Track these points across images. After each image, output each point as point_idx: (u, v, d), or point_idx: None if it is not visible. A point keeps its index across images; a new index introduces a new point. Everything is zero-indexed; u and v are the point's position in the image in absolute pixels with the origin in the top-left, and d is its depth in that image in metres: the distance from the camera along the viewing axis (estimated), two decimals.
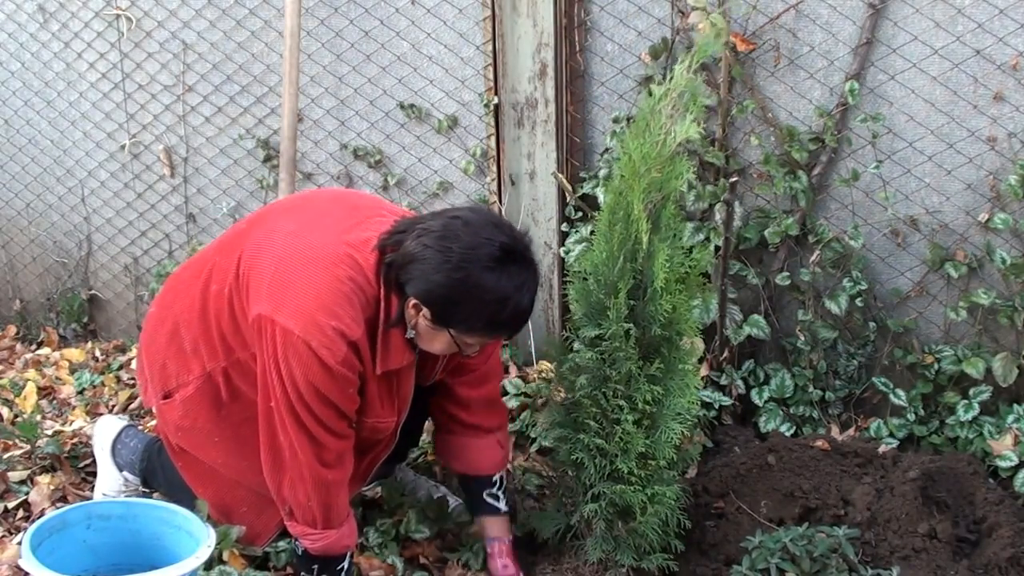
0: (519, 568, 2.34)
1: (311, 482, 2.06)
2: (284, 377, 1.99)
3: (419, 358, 2.18)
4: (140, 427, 2.70)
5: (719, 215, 2.92)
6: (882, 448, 2.75)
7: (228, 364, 2.16)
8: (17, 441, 2.83)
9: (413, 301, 1.98)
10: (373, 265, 2.01)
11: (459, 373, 2.31)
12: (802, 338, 2.92)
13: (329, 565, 2.16)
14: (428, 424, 2.96)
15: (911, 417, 2.85)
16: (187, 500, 2.28)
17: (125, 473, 2.49)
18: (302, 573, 2.18)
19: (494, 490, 2.39)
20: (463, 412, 2.36)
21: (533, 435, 2.88)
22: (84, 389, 3.39)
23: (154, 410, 2.35)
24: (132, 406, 3.24)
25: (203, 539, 2.07)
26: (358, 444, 2.18)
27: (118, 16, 3.60)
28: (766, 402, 2.94)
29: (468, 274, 1.91)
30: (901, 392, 2.87)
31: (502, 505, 2.38)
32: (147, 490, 2.49)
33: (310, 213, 2.15)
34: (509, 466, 2.78)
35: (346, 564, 2.18)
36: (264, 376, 2.03)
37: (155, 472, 2.45)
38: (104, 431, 2.57)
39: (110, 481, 2.51)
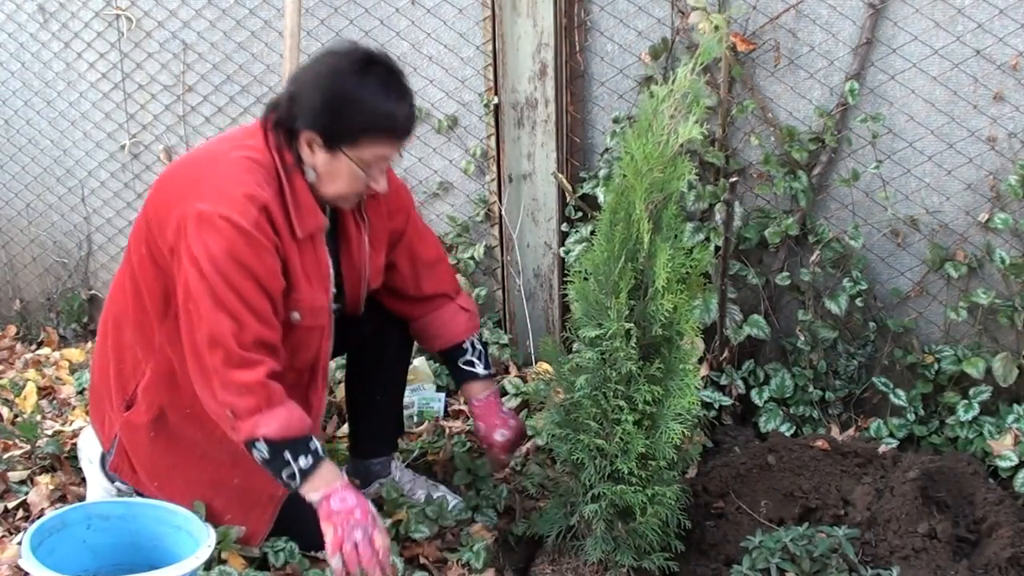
0: (504, 418, 2.40)
1: (231, 365, 2.00)
2: (201, 259, 1.98)
3: (349, 241, 2.25)
4: None
5: (719, 215, 2.92)
6: (882, 448, 2.75)
7: (172, 326, 2.14)
8: (17, 441, 2.83)
9: (305, 137, 2.06)
10: (260, 142, 2.12)
11: (394, 249, 2.40)
12: (802, 338, 2.92)
13: (299, 446, 2.05)
14: (423, 427, 2.97)
15: (911, 417, 2.86)
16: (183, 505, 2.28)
17: (117, 483, 2.46)
18: (281, 475, 2.07)
19: (468, 356, 2.43)
20: (412, 287, 2.43)
21: (531, 434, 2.88)
22: (84, 389, 3.39)
23: (118, 438, 2.32)
24: None
25: (203, 539, 2.06)
26: (301, 338, 2.17)
27: (118, 16, 3.60)
28: (766, 402, 2.94)
29: (335, 79, 2.03)
30: (901, 392, 2.87)
31: (480, 369, 2.42)
32: (140, 497, 2.48)
33: (190, 153, 2.28)
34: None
35: (317, 445, 2.08)
36: (184, 281, 2.02)
37: None
38: (90, 443, 2.51)
39: (102, 492, 2.46)
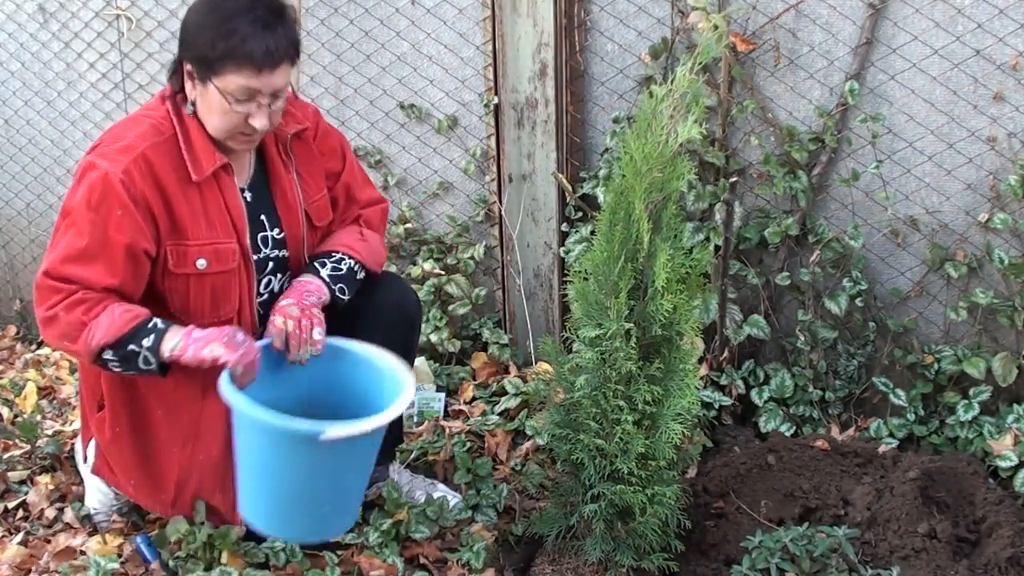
0: (307, 304, 2.18)
1: (55, 299, 2.06)
2: (65, 202, 2.10)
3: (279, 182, 2.26)
4: None
5: (719, 215, 2.92)
6: (882, 448, 2.75)
7: None
8: (17, 441, 2.84)
9: (186, 69, 2.12)
10: (157, 100, 2.20)
11: (332, 188, 2.40)
12: (802, 338, 2.92)
13: (137, 335, 2.05)
14: (423, 427, 2.97)
15: (911, 417, 2.85)
16: None
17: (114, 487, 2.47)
18: (141, 368, 2.07)
19: (327, 259, 2.29)
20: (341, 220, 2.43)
21: (531, 434, 2.88)
22: None
23: (94, 439, 2.36)
24: None
25: (401, 388, 2.02)
26: (217, 285, 2.17)
27: (118, 16, 3.60)
28: (766, 402, 2.94)
29: (204, 7, 2.10)
30: (901, 392, 2.87)
31: (324, 272, 2.26)
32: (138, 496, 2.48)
33: None
34: (508, 468, 2.79)
35: (156, 322, 2.07)
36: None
37: None
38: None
39: (99, 495, 2.48)
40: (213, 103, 2.10)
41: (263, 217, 2.27)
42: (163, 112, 2.16)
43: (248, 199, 2.24)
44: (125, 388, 2.24)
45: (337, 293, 2.26)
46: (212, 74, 2.08)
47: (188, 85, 2.14)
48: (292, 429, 1.89)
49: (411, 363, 2.45)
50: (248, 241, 2.22)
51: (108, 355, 2.07)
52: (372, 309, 2.35)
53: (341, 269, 2.29)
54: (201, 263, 2.15)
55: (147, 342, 2.06)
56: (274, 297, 2.26)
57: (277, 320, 2.13)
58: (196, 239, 2.14)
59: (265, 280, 2.29)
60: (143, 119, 2.16)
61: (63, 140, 3.83)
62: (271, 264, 2.28)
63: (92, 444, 2.40)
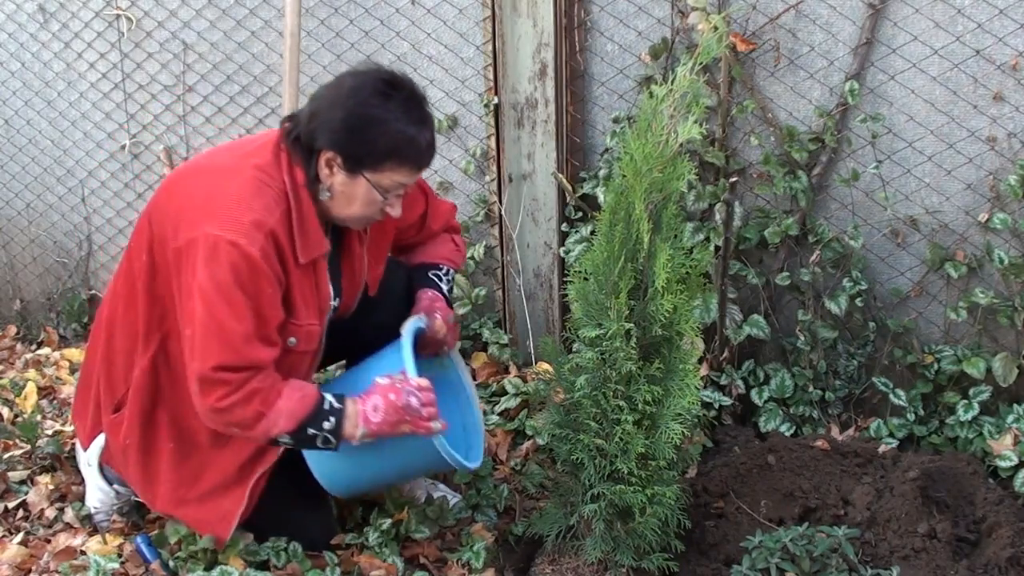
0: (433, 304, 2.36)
1: (224, 393, 2.01)
2: (204, 285, 1.97)
3: (351, 257, 2.25)
4: None
5: (719, 215, 2.92)
6: (882, 448, 2.75)
7: (163, 335, 2.15)
8: (17, 441, 2.83)
9: (325, 156, 2.04)
10: (271, 159, 2.08)
11: (413, 236, 2.47)
12: (802, 338, 2.92)
13: (316, 418, 2.07)
14: None
15: (911, 417, 2.86)
16: None
17: (116, 486, 2.46)
18: (318, 446, 2.10)
19: (439, 272, 2.44)
20: (417, 242, 2.52)
21: (531, 434, 2.88)
22: None
23: (103, 436, 2.35)
24: None
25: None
26: (294, 361, 2.17)
27: (118, 16, 3.60)
28: (766, 402, 2.94)
29: (360, 102, 2.02)
30: (901, 392, 2.87)
31: (444, 285, 2.42)
32: (140, 499, 2.48)
33: (199, 160, 2.24)
34: (508, 468, 2.79)
35: (329, 399, 2.09)
36: (184, 304, 2.02)
37: None
38: (89, 446, 2.52)
39: (100, 495, 2.48)
40: (359, 194, 2.08)
41: (330, 294, 2.26)
42: (280, 182, 2.07)
43: None
44: (151, 398, 2.23)
45: (448, 302, 2.45)
46: (366, 169, 2.05)
47: (325, 172, 2.07)
48: (460, 464, 2.20)
49: None
50: (326, 323, 2.23)
51: (285, 439, 2.07)
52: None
53: (450, 279, 2.48)
54: (292, 341, 2.14)
55: (327, 425, 2.07)
56: None
57: (439, 320, 2.33)
58: (297, 319, 2.13)
59: None
60: (264, 188, 2.04)
61: (63, 140, 3.83)
62: (324, 340, 2.29)
63: (101, 438, 2.40)
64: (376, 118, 2.02)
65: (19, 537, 2.46)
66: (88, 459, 2.49)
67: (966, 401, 2.81)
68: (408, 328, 2.24)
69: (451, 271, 2.48)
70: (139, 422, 2.23)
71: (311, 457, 2.23)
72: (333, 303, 2.26)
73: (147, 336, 2.18)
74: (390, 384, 2.11)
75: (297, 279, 2.10)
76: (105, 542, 2.40)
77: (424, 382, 2.12)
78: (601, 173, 3.10)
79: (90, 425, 2.39)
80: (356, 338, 2.38)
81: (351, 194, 2.08)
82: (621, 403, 2.12)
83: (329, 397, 2.10)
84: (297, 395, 2.06)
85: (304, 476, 2.31)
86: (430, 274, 2.44)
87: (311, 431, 2.06)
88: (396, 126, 2.03)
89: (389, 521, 2.39)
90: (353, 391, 2.15)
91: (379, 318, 2.34)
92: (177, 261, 2.03)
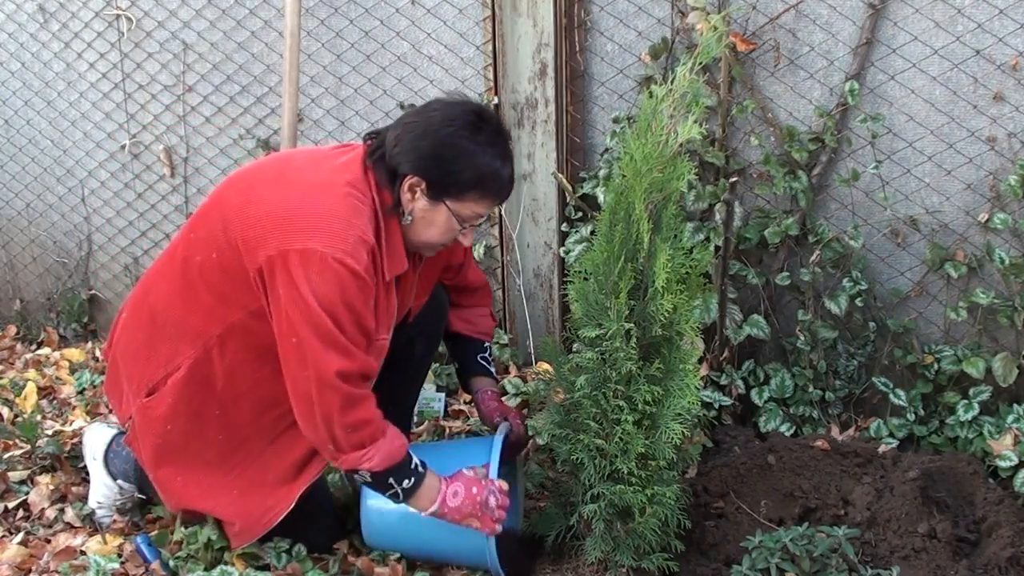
0: (504, 406, 2.49)
1: (342, 406, 2.02)
2: (309, 299, 1.97)
3: (405, 282, 2.26)
4: None
5: (719, 215, 2.92)
6: (882, 448, 2.75)
7: (224, 331, 2.15)
8: (17, 441, 2.83)
9: (409, 181, 2.07)
10: (361, 177, 2.10)
11: (449, 280, 2.51)
12: (802, 338, 2.92)
13: (401, 471, 2.10)
14: (423, 427, 2.96)
15: (911, 417, 2.86)
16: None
17: (120, 481, 2.46)
18: (384, 493, 2.13)
19: (486, 355, 2.55)
20: (457, 299, 2.57)
21: (531, 434, 2.88)
22: (84, 389, 3.39)
23: (133, 418, 2.32)
24: None
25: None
26: None
27: (118, 16, 3.60)
28: (766, 402, 2.94)
29: (451, 133, 2.05)
30: (901, 392, 2.87)
31: (492, 369, 2.55)
32: (143, 496, 2.48)
33: (276, 167, 2.21)
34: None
35: (417, 463, 2.14)
36: (284, 315, 2.01)
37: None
38: (95, 440, 2.53)
39: (104, 490, 2.48)
40: (439, 221, 2.11)
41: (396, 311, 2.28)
42: (371, 200, 2.09)
43: None
44: (200, 392, 2.22)
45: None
46: (449, 197, 2.09)
47: (407, 196, 2.09)
48: (496, 570, 2.23)
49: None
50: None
51: (364, 475, 2.10)
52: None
53: (492, 360, 2.58)
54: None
55: (407, 483, 2.11)
56: None
57: (521, 430, 2.43)
58: (378, 333, 2.15)
59: None
60: (360, 206, 2.06)
61: (63, 140, 3.83)
62: None
63: (105, 432, 2.39)
64: (465, 150, 2.06)
65: (19, 537, 2.46)
66: (93, 453, 2.50)
67: (966, 401, 2.81)
68: (501, 430, 2.32)
69: (491, 348, 2.59)
70: (186, 411, 2.22)
71: (369, 512, 2.26)
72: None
73: (204, 330, 2.17)
74: (475, 479, 2.17)
75: (378, 293, 2.12)
76: (105, 542, 2.40)
77: (504, 486, 2.19)
78: (601, 173, 3.10)
79: (123, 404, 2.37)
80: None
81: (431, 220, 2.12)
82: (621, 403, 2.12)
83: (416, 459, 2.15)
84: (398, 442, 2.11)
85: (314, 484, 2.31)
86: (479, 359, 2.54)
87: (391, 481, 2.10)
88: (483, 159, 2.07)
89: None
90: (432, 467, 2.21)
91: (401, 327, 2.38)
92: (271, 270, 2.02)
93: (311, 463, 2.23)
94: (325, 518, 2.38)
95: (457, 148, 2.06)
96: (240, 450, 2.25)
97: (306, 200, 2.04)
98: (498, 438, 2.27)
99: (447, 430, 2.95)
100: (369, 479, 2.10)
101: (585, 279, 2.20)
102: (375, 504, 2.25)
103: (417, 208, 2.10)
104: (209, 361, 2.18)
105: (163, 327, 2.23)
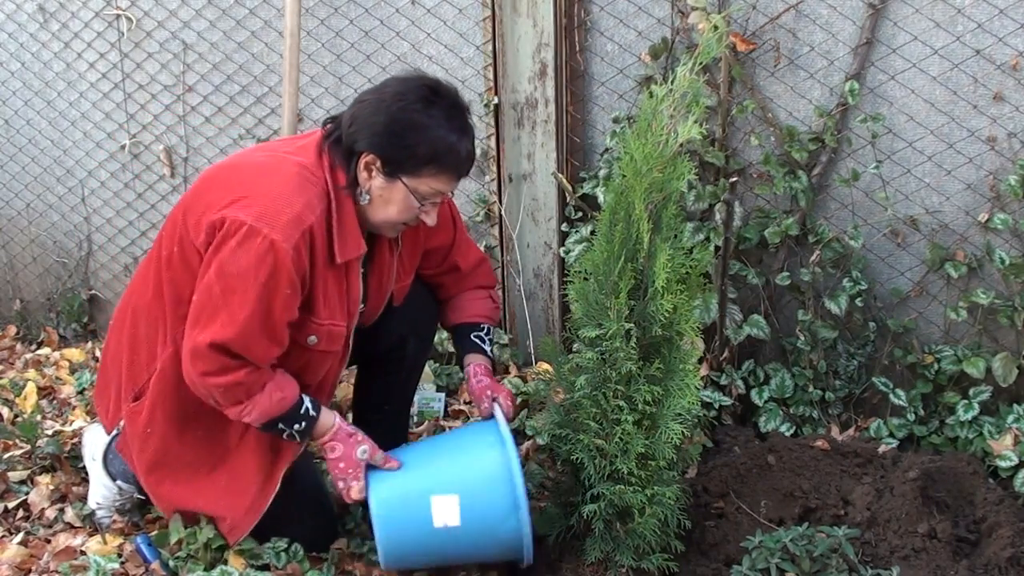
0: (495, 381, 2.41)
1: (212, 372, 2.05)
2: (225, 266, 2.00)
3: (381, 264, 2.26)
4: None
5: (719, 215, 2.92)
6: (882, 448, 2.75)
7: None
8: (17, 441, 2.83)
9: (365, 159, 2.06)
10: (315, 159, 2.11)
11: (436, 266, 2.44)
12: (802, 338, 2.92)
13: (289, 419, 2.13)
14: (423, 427, 2.96)
15: (911, 417, 2.86)
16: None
17: (119, 482, 2.45)
18: (283, 438, 2.19)
19: (481, 333, 2.47)
20: (454, 290, 2.51)
21: (531, 434, 2.88)
22: (84, 389, 3.39)
23: (122, 424, 2.33)
24: None
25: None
26: (313, 360, 2.20)
27: (118, 16, 3.60)
28: (766, 402, 2.94)
29: (403, 107, 2.03)
30: (901, 392, 2.87)
31: (487, 348, 2.46)
32: (143, 497, 2.47)
33: (236, 156, 2.27)
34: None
35: (308, 405, 2.15)
36: (205, 272, 2.03)
37: None
38: (94, 441, 2.53)
39: (103, 490, 2.48)
40: (396, 199, 2.10)
41: (360, 296, 2.26)
42: (322, 181, 2.09)
43: None
44: (173, 390, 2.22)
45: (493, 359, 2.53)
46: (406, 174, 2.07)
47: (364, 175, 2.09)
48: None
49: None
50: (353, 325, 2.24)
51: (254, 423, 2.14)
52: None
53: (492, 339, 2.49)
54: (312, 339, 2.16)
55: (298, 427, 2.15)
56: None
57: (503, 404, 2.33)
58: (318, 317, 2.14)
59: None
60: (307, 184, 2.06)
61: (63, 140, 3.83)
62: (350, 343, 2.30)
63: (120, 425, 2.39)
64: (418, 123, 2.04)
65: (19, 537, 2.46)
66: (92, 453, 2.50)
67: (966, 401, 2.81)
68: (498, 415, 2.28)
69: (491, 330, 2.50)
70: (164, 411, 2.23)
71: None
72: (360, 307, 2.27)
73: (173, 326, 2.18)
74: (356, 458, 2.19)
75: (326, 279, 2.11)
76: (105, 542, 2.40)
77: (394, 463, 2.20)
78: (601, 173, 3.10)
79: (111, 410, 2.38)
80: (370, 344, 2.40)
81: (388, 198, 2.10)
82: (621, 403, 2.12)
83: (309, 402, 2.16)
84: (278, 394, 2.11)
85: (306, 479, 2.31)
86: (473, 336, 2.46)
87: (281, 426, 2.15)
88: (437, 132, 2.05)
89: None
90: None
91: (394, 326, 2.39)
92: (207, 241, 2.04)
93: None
94: (321, 517, 2.38)
95: (410, 122, 2.03)
96: (219, 445, 2.25)
97: (251, 180, 2.08)
98: (500, 418, 2.23)
99: (447, 430, 2.95)
100: (261, 428, 2.15)
101: (585, 279, 2.20)
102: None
103: (374, 186, 2.09)
104: (178, 360, 2.18)
105: (142, 328, 2.24)
